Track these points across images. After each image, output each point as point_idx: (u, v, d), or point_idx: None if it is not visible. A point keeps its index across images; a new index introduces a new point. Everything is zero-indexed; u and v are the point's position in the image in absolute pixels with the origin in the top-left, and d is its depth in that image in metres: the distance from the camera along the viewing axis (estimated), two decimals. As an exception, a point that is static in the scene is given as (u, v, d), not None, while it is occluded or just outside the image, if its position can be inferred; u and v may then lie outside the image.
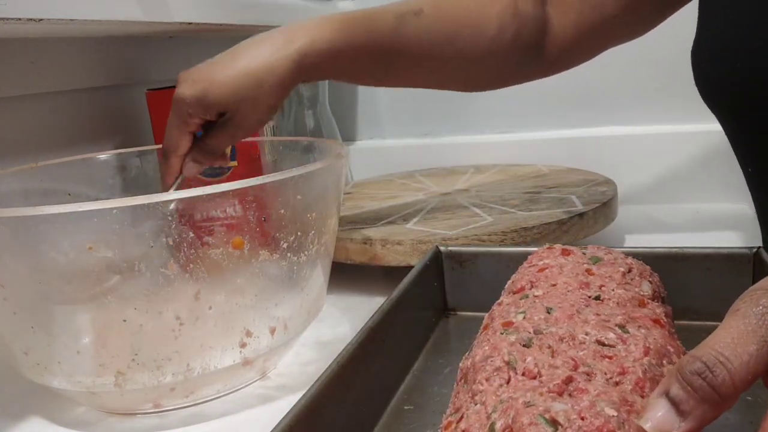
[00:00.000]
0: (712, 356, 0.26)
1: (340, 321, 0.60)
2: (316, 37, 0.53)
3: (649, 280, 0.43)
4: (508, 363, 0.33)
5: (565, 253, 0.46)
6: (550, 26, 0.61)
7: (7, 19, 0.49)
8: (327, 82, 0.99)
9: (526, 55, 0.62)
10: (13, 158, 0.65)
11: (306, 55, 0.53)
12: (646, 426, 0.26)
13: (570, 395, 0.30)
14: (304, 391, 0.35)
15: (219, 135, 0.54)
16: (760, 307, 0.27)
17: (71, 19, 0.54)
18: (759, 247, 0.50)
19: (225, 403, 0.48)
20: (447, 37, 0.58)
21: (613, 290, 0.40)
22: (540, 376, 0.32)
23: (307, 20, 0.55)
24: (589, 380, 0.31)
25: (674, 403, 0.26)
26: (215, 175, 0.65)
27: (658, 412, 0.26)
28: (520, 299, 0.41)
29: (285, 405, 0.38)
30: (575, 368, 0.32)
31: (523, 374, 0.32)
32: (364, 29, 0.55)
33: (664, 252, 0.51)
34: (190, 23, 0.69)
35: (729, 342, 0.26)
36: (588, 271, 0.43)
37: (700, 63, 0.52)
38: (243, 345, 0.45)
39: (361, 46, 0.55)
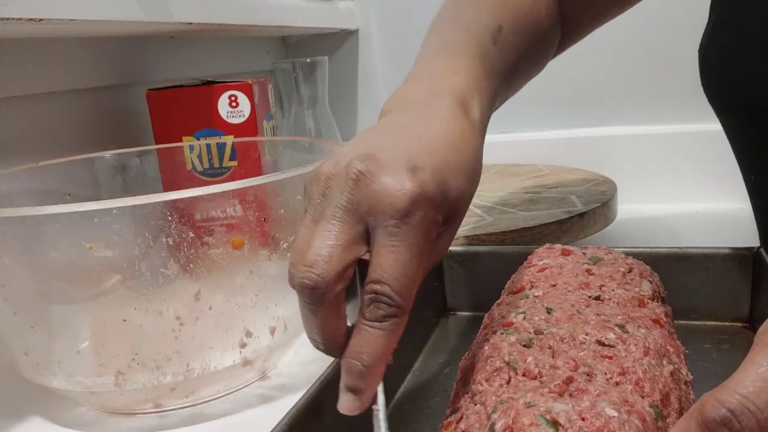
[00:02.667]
0: (740, 404, 0.24)
1: (340, 321, 0.59)
2: (481, 102, 0.43)
3: (649, 280, 0.43)
4: (508, 363, 0.33)
5: (565, 253, 0.46)
6: (560, 4, 0.59)
7: (7, 19, 0.49)
8: (327, 82, 0.99)
9: (556, 38, 0.59)
10: (13, 158, 0.65)
11: (485, 124, 0.43)
12: None
13: (571, 396, 0.30)
14: (304, 391, 0.35)
15: (433, 255, 0.36)
16: None
17: (71, 19, 0.54)
18: (759, 247, 0.50)
19: (225, 403, 0.47)
20: (526, 48, 0.52)
21: (613, 290, 0.40)
22: (540, 377, 0.32)
23: (441, 74, 0.43)
24: (590, 380, 0.31)
25: None
26: (215, 175, 0.65)
27: None
28: (520, 299, 0.41)
29: (285, 405, 0.38)
30: (576, 368, 0.32)
31: (524, 375, 0.32)
32: (492, 72, 0.46)
33: (664, 252, 0.51)
34: (190, 23, 0.69)
35: (760, 386, 0.24)
36: (588, 271, 0.43)
37: (711, 63, 0.52)
38: (243, 345, 0.45)
39: (497, 91, 0.47)
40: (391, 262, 0.32)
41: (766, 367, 0.24)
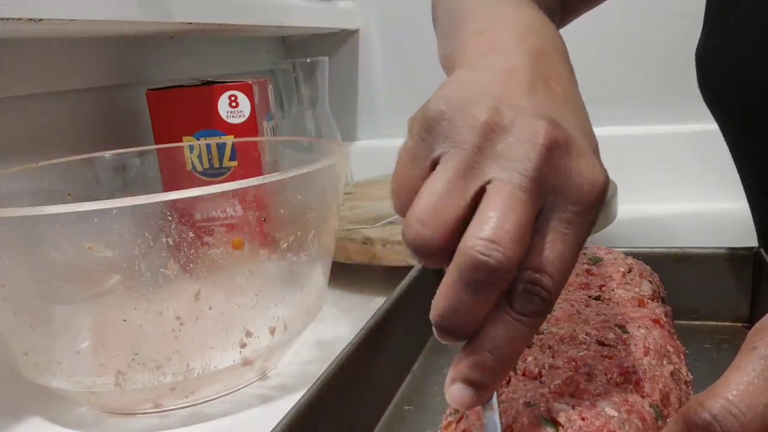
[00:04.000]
0: (723, 408, 0.23)
1: (340, 321, 0.60)
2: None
3: (649, 280, 0.43)
4: None
5: (565, 253, 0.46)
6: None
7: (7, 19, 0.49)
8: (327, 82, 0.99)
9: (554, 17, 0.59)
10: (13, 158, 0.65)
11: None
12: None
13: (571, 396, 0.30)
14: (304, 391, 0.35)
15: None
16: None
17: (71, 19, 0.54)
18: (759, 247, 0.50)
19: (225, 403, 0.47)
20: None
21: (613, 290, 0.40)
22: (540, 377, 0.32)
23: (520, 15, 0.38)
24: (590, 380, 0.31)
25: None
26: (215, 175, 0.65)
27: None
28: (520, 299, 0.41)
29: (285, 405, 0.38)
30: (576, 369, 0.32)
31: (524, 374, 0.32)
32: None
33: (664, 252, 0.51)
34: (190, 23, 0.69)
35: (743, 390, 0.24)
36: (588, 271, 0.43)
37: (706, 65, 0.52)
38: (243, 345, 0.45)
39: None
40: (560, 254, 0.27)
41: (750, 371, 0.24)
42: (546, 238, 0.27)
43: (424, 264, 0.29)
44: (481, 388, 0.28)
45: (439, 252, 0.28)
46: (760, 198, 0.55)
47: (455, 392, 0.28)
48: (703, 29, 0.53)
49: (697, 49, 0.53)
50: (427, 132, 0.29)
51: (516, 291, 0.27)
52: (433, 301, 0.28)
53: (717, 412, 0.23)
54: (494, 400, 0.28)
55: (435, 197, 0.27)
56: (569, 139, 0.28)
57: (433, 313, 0.28)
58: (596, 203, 0.28)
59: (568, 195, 0.27)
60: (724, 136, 0.55)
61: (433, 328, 0.28)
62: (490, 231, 0.26)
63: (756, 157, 0.52)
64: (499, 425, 0.28)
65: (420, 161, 0.29)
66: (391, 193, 0.30)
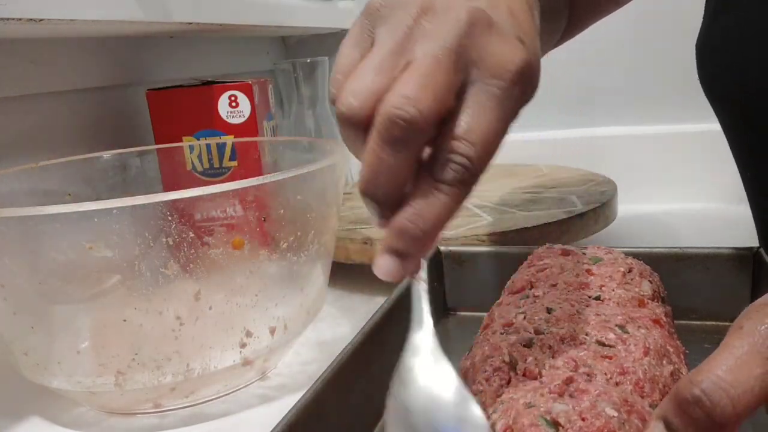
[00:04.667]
0: (712, 383, 0.24)
1: (340, 321, 0.60)
2: None
3: (649, 280, 0.43)
4: (508, 363, 0.33)
5: (565, 253, 0.46)
6: None
7: (7, 19, 0.49)
8: (327, 81, 0.99)
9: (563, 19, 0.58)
10: (13, 158, 0.65)
11: None
12: None
13: (571, 396, 0.30)
14: (304, 391, 0.35)
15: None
16: (766, 326, 0.25)
17: (71, 19, 0.54)
18: (759, 247, 0.50)
19: (225, 403, 0.48)
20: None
21: (613, 290, 0.40)
22: (540, 377, 0.32)
23: None
24: (590, 380, 0.31)
25: (671, 431, 0.25)
26: (215, 175, 0.65)
27: None
28: (520, 299, 0.41)
29: (285, 405, 0.38)
30: (576, 369, 0.32)
31: (524, 374, 0.32)
32: None
33: (664, 252, 0.51)
34: (190, 23, 0.69)
35: (732, 365, 0.24)
36: (588, 271, 0.43)
37: (706, 56, 0.52)
38: (243, 345, 0.45)
39: None
40: (483, 125, 0.29)
41: (738, 348, 0.25)
42: (468, 110, 0.29)
43: (350, 140, 0.30)
44: (405, 258, 0.29)
45: (365, 120, 0.29)
46: (760, 195, 0.55)
47: (381, 263, 0.30)
48: (702, 22, 0.53)
49: (697, 42, 0.53)
50: (368, 19, 0.31)
51: (438, 159, 0.29)
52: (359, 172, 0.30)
53: (706, 387, 0.24)
54: (423, 272, 0.30)
55: (367, 72, 0.29)
56: (492, 20, 0.30)
57: (359, 182, 0.30)
58: (516, 79, 0.29)
59: (487, 69, 0.29)
60: (724, 131, 0.55)
61: (362, 198, 0.30)
62: (406, 89, 0.28)
63: (756, 152, 0.52)
64: (425, 296, 0.30)
65: (359, 46, 0.31)
66: (331, 80, 0.32)
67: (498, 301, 0.44)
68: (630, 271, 0.43)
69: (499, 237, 0.62)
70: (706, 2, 0.53)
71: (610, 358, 0.33)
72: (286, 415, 0.33)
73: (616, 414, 0.28)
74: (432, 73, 0.28)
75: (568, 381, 0.31)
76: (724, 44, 0.50)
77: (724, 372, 0.24)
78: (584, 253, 0.46)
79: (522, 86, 0.30)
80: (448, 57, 0.29)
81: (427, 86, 0.28)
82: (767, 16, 0.46)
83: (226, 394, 0.48)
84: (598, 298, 0.39)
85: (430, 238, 0.29)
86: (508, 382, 0.32)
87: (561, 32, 0.57)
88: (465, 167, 0.28)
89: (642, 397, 0.31)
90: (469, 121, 0.29)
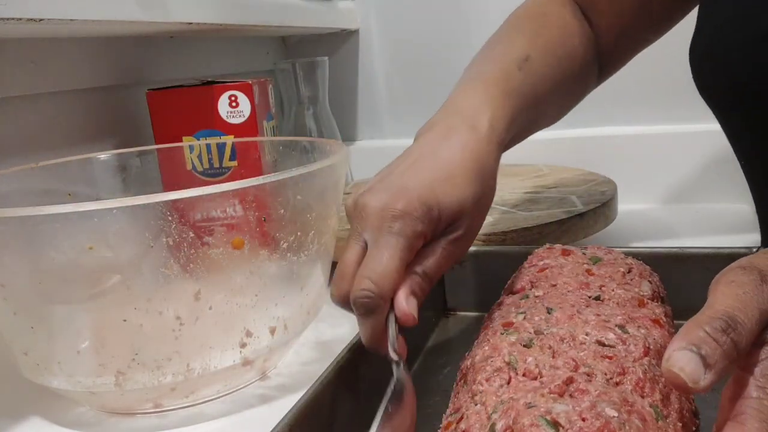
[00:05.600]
0: (732, 314, 0.27)
1: (340, 321, 0.59)
2: (493, 115, 0.48)
3: (649, 280, 0.43)
4: (508, 363, 0.33)
5: (565, 253, 0.46)
6: (596, 37, 0.61)
7: (7, 19, 0.49)
8: (327, 82, 0.99)
9: (597, 68, 0.62)
10: (13, 158, 0.65)
11: (499, 135, 0.48)
12: (682, 374, 0.26)
13: (571, 396, 0.30)
14: (304, 391, 0.35)
15: (442, 255, 0.42)
16: (754, 277, 0.29)
17: (71, 19, 0.54)
18: (759, 248, 0.50)
19: (225, 403, 0.48)
20: (555, 77, 0.55)
21: (613, 290, 0.40)
22: (541, 377, 0.32)
23: (460, 99, 0.50)
24: (590, 381, 0.31)
25: (701, 356, 0.26)
26: (215, 175, 0.65)
27: (688, 364, 0.26)
28: (521, 299, 0.41)
29: (285, 405, 0.38)
30: (576, 369, 0.32)
31: (524, 375, 0.32)
32: (514, 92, 0.51)
33: (664, 252, 0.51)
34: (190, 23, 0.69)
35: (739, 306, 0.27)
36: (588, 271, 0.43)
37: (698, 56, 0.52)
38: (243, 345, 0.45)
39: (518, 109, 0.51)
40: (373, 262, 0.39)
41: (736, 296, 0.28)
42: (366, 256, 0.41)
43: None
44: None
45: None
46: (760, 185, 0.55)
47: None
48: (695, 27, 0.53)
49: (690, 46, 0.53)
50: (356, 224, 0.43)
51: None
52: None
53: (729, 318, 0.27)
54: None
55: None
56: (367, 197, 0.42)
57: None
58: (384, 224, 0.41)
59: (369, 227, 0.42)
60: (724, 131, 0.55)
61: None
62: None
63: (753, 140, 0.52)
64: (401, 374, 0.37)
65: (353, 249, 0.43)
66: (334, 282, 0.43)
67: (498, 301, 0.44)
68: (630, 272, 0.43)
69: (499, 237, 0.62)
70: (699, 8, 0.53)
71: (610, 358, 0.33)
72: (286, 415, 0.33)
73: (616, 414, 0.28)
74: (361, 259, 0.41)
75: (568, 381, 0.31)
76: (712, 48, 0.50)
77: (736, 310, 0.27)
78: (584, 253, 0.46)
79: (400, 223, 0.40)
80: (355, 239, 0.43)
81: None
82: (751, 15, 0.47)
83: (226, 394, 0.48)
84: (598, 298, 0.39)
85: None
86: (508, 382, 0.32)
87: (591, 81, 0.63)
88: (367, 297, 0.39)
89: (642, 397, 0.31)
90: (364, 264, 0.40)
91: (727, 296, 0.28)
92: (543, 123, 0.59)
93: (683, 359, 0.26)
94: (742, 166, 0.56)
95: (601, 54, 0.61)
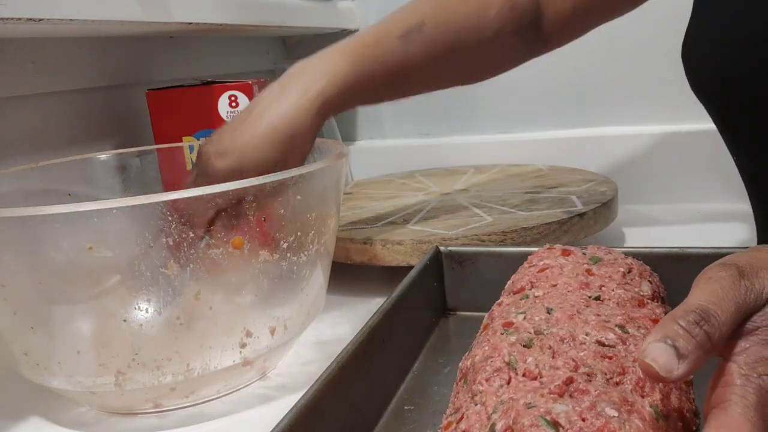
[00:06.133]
0: (706, 308, 0.28)
1: (340, 321, 0.60)
2: (330, 79, 0.53)
3: (649, 280, 0.43)
4: (508, 363, 0.33)
5: (565, 253, 0.46)
6: (543, 7, 0.61)
7: (7, 19, 0.49)
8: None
9: (524, 41, 0.63)
10: (13, 158, 0.65)
11: (326, 99, 0.53)
12: (654, 365, 0.27)
13: (571, 396, 0.30)
14: (304, 391, 0.35)
15: None
16: (731, 272, 0.30)
17: (71, 19, 0.54)
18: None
19: (225, 403, 0.48)
20: (451, 47, 0.58)
21: (613, 290, 0.40)
22: (541, 377, 0.32)
23: (316, 58, 0.55)
24: (590, 381, 0.31)
25: (674, 347, 0.27)
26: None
27: (662, 355, 0.27)
28: (521, 299, 0.41)
29: (285, 405, 0.38)
30: (576, 369, 0.32)
31: (524, 375, 0.32)
32: (372, 59, 0.55)
33: (664, 252, 0.51)
34: (190, 23, 0.69)
35: (714, 299, 0.29)
36: (588, 271, 0.43)
37: (689, 53, 0.53)
38: (243, 345, 0.45)
39: (373, 75, 0.55)
40: None
41: (713, 291, 0.29)
42: None
43: None
44: None
45: None
46: (755, 185, 0.55)
47: None
48: (688, 24, 0.54)
49: (682, 43, 0.54)
50: None
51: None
52: None
53: (703, 311, 0.28)
54: None
55: None
56: (207, 151, 0.52)
57: None
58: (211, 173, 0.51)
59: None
60: (717, 127, 0.55)
61: None
62: None
63: (744, 136, 0.53)
64: None
65: None
66: None
67: (498, 301, 0.44)
68: (630, 272, 0.43)
69: (499, 237, 0.62)
70: (692, 9, 0.54)
71: (610, 358, 0.33)
72: (286, 415, 0.33)
73: (616, 414, 0.28)
74: None
75: (568, 381, 0.31)
76: (703, 43, 0.51)
77: (711, 303, 0.29)
78: (584, 253, 0.46)
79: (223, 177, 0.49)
80: None
81: None
82: (741, 13, 0.47)
83: (226, 394, 0.48)
84: (598, 299, 0.39)
85: None
86: (508, 382, 0.32)
87: (518, 51, 0.64)
88: None
89: (642, 396, 0.31)
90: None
91: (703, 291, 0.30)
92: (430, 86, 0.62)
93: (657, 351, 0.27)
94: (735, 161, 0.56)
95: (545, 26, 0.62)
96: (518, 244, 0.62)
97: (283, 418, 0.33)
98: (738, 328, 0.29)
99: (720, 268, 0.31)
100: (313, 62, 0.55)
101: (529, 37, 0.62)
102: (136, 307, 0.42)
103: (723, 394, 0.28)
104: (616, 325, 0.36)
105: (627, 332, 0.35)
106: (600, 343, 0.34)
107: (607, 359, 0.33)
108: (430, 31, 0.57)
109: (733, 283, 0.30)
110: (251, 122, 0.51)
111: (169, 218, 0.40)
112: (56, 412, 0.48)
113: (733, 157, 0.56)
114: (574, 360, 0.32)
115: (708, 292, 0.29)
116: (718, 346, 0.28)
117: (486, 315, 0.42)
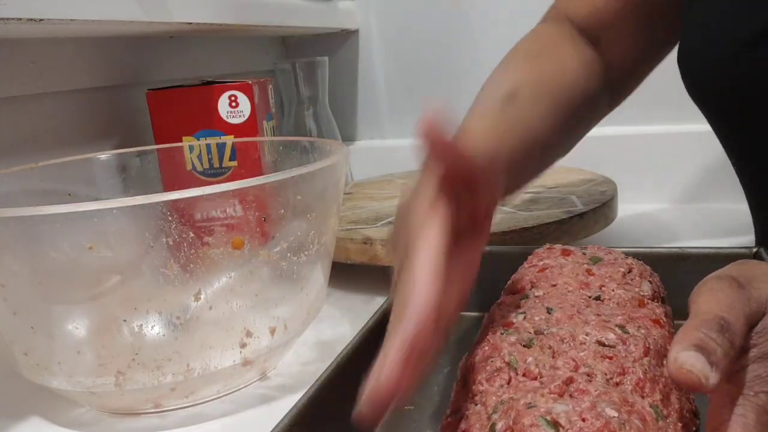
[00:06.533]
0: (724, 317, 0.28)
1: (340, 321, 0.60)
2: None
3: (649, 280, 0.43)
4: (508, 363, 0.33)
5: (565, 253, 0.46)
6: (607, 63, 0.60)
7: (7, 19, 0.49)
8: (327, 82, 0.99)
9: (602, 98, 0.61)
10: (13, 158, 0.65)
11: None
12: (695, 370, 0.26)
13: (571, 396, 0.30)
14: (304, 391, 0.35)
15: None
16: (731, 283, 0.30)
17: (71, 19, 0.54)
18: (759, 248, 0.50)
19: (225, 403, 0.48)
20: (545, 112, 0.52)
21: (613, 290, 0.40)
22: (541, 377, 0.32)
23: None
24: (590, 381, 0.31)
25: (706, 355, 0.27)
26: (215, 175, 0.65)
27: (697, 362, 0.26)
28: (521, 299, 0.41)
29: (285, 405, 0.38)
30: (576, 369, 0.32)
31: (524, 375, 0.32)
32: (493, 132, 0.47)
33: (664, 252, 0.51)
34: (190, 23, 0.69)
35: (725, 308, 0.29)
36: (588, 271, 0.43)
37: (685, 59, 0.53)
38: (243, 345, 0.45)
39: (514, 150, 0.47)
40: None
41: (721, 302, 0.29)
42: None
43: None
44: None
45: None
46: (752, 185, 0.55)
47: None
48: (682, 30, 0.54)
49: (678, 49, 0.54)
50: None
51: None
52: None
53: (724, 321, 0.28)
54: None
55: None
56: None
57: None
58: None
59: None
60: (715, 131, 0.55)
61: None
62: None
63: (744, 143, 0.53)
64: None
65: None
66: None
67: (498, 301, 0.44)
68: (630, 272, 0.43)
69: (499, 237, 0.62)
70: (684, 11, 0.54)
71: (610, 358, 0.33)
72: (286, 415, 0.33)
73: (616, 414, 0.28)
74: None
75: (568, 381, 0.31)
76: (699, 50, 0.51)
77: (724, 313, 0.28)
78: (584, 253, 0.46)
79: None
80: None
81: None
82: (732, 19, 0.47)
83: (226, 394, 0.48)
84: (598, 299, 0.39)
85: None
86: (509, 382, 0.32)
87: (599, 111, 0.62)
88: None
89: (642, 397, 0.31)
90: None
91: (711, 302, 0.29)
92: (548, 160, 0.56)
93: (692, 358, 0.26)
94: (733, 165, 0.56)
95: (612, 81, 0.60)
96: (518, 244, 0.62)
97: (283, 418, 0.33)
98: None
99: (718, 281, 0.31)
100: None
101: (609, 91, 0.61)
102: (136, 307, 0.42)
103: (722, 414, 0.28)
104: (616, 325, 0.36)
105: (627, 332, 0.35)
106: (600, 343, 0.34)
107: (607, 359, 0.33)
108: (525, 99, 0.51)
109: (735, 292, 0.30)
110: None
111: (169, 218, 0.40)
112: (56, 412, 0.48)
113: (730, 160, 0.56)
114: (574, 360, 0.32)
115: (715, 303, 0.29)
116: (737, 352, 0.28)
117: (486, 315, 0.42)
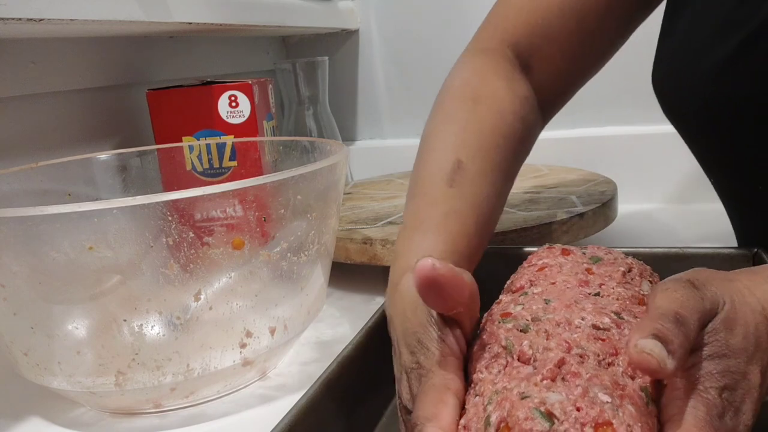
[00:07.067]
0: (679, 312, 0.29)
1: (340, 321, 0.60)
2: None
3: (649, 280, 0.43)
4: (505, 348, 0.34)
5: (565, 253, 0.46)
6: (539, 87, 0.59)
7: (7, 19, 0.49)
8: (327, 82, 0.99)
9: (537, 129, 0.61)
10: (13, 158, 0.65)
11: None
12: (653, 354, 0.28)
13: (563, 380, 0.30)
14: (304, 391, 0.35)
15: None
16: (685, 284, 0.32)
17: (71, 19, 0.54)
18: (759, 248, 0.50)
19: (225, 403, 0.48)
20: (491, 169, 0.51)
21: (612, 288, 0.40)
22: (534, 360, 0.32)
23: (403, 249, 0.46)
24: (582, 363, 0.31)
25: (664, 343, 0.28)
26: (215, 175, 0.65)
27: (654, 348, 0.28)
28: (519, 296, 0.41)
29: (285, 405, 0.38)
30: (569, 350, 0.32)
31: (518, 359, 0.33)
32: (452, 218, 0.47)
33: (664, 252, 0.51)
34: (190, 23, 0.69)
35: (679, 305, 0.30)
36: (588, 270, 0.43)
37: (659, 83, 0.53)
38: (243, 345, 0.45)
39: (468, 223, 0.47)
40: None
41: (676, 300, 0.30)
42: None
43: None
44: None
45: None
46: (730, 199, 0.56)
47: None
48: (655, 55, 0.54)
49: (652, 72, 0.54)
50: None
51: None
52: None
53: (680, 314, 0.29)
54: None
55: None
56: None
57: None
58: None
59: None
60: (692, 152, 0.56)
61: None
62: None
63: (723, 171, 0.53)
64: None
65: None
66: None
67: (497, 300, 0.44)
68: (630, 271, 0.43)
69: (499, 237, 0.62)
70: (659, 35, 0.54)
71: (604, 340, 0.33)
72: (286, 415, 0.33)
73: (609, 399, 0.28)
74: None
75: (560, 363, 0.31)
76: (671, 74, 0.51)
77: (680, 310, 0.30)
78: (584, 253, 0.45)
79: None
80: None
81: None
82: (702, 46, 0.47)
83: (226, 394, 0.48)
84: (597, 295, 0.39)
85: None
86: (505, 367, 0.33)
87: (535, 137, 0.61)
88: None
89: (632, 378, 0.31)
90: None
91: (665, 300, 0.30)
92: (496, 221, 0.54)
93: (650, 344, 0.28)
94: (712, 183, 0.57)
95: (544, 104, 0.59)
96: (518, 244, 0.62)
97: (283, 418, 0.33)
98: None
99: (673, 282, 0.32)
100: (403, 254, 0.46)
101: (542, 114, 0.60)
102: (136, 307, 0.42)
103: (675, 407, 0.29)
104: (612, 311, 0.36)
105: (622, 318, 0.35)
106: (595, 327, 0.34)
107: (600, 341, 0.33)
108: (471, 165, 0.49)
109: (691, 292, 0.31)
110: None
111: (169, 218, 0.40)
112: (56, 412, 0.48)
113: (709, 179, 0.57)
114: (567, 342, 0.33)
115: (670, 300, 0.30)
116: (690, 348, 0.29)
117: (485, 314, 0.42)
